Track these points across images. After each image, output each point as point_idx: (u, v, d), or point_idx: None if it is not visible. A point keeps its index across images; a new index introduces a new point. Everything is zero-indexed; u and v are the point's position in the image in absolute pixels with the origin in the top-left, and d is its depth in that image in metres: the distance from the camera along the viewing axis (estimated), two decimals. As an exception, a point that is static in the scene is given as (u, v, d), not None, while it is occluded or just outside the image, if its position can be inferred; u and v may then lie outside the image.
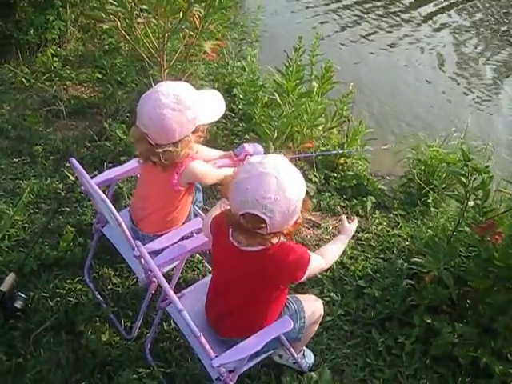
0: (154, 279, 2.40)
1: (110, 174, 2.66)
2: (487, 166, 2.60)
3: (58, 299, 2.71)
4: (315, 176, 3.70)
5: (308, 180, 3.65)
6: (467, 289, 2.69)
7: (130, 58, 4.02)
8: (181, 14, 3.14)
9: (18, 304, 2.61)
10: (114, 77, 4.09)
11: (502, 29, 6.63)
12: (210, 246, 2.20)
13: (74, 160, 2.40)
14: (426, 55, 6.01)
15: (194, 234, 2.44)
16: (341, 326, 2.75)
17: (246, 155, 2.58)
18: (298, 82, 3.52)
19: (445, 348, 2.57)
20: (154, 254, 2.31)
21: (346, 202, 3.61)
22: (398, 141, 4.19)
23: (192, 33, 3.17)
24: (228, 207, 1.93)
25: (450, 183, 3.75)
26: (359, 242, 3.28)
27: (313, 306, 2.31)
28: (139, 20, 3.27)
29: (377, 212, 3.56)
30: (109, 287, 2.80)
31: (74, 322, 2.60)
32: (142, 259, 2.28)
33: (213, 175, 2.45)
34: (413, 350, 2.62)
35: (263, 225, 1.81)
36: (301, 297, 2.32)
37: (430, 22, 6.62)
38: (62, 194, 3.25)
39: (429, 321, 2.64)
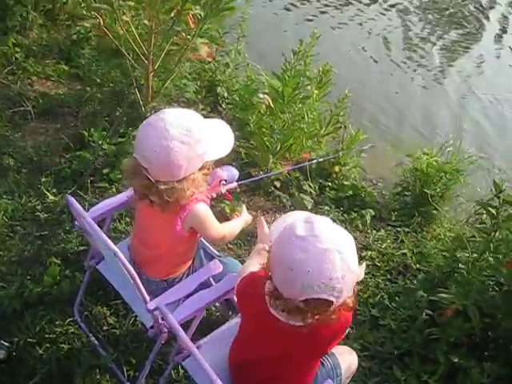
0: (166, 329, 2.15)
1: (104, 206, 2.34)
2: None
3: (48, 345, 2.40)
4: (310, 186, 3.48)
5: (303, 191, 3.44)
6: (491, 323, 2.56)
7: (103, 52, 3.61)
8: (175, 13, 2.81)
9: (0, 354, 2.30)
10: (86, 73, 3.68)
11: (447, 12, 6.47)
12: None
13: (70, 198, 2.08)
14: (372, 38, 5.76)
15: (211, 280, 2.19)
16: (359, 363, 2.57)
17: (220, 181, 2.31)
18: (295, 87, 3.25)
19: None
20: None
21: (345, 215, 3.41)
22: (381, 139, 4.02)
23: (185, 34, 2.84)
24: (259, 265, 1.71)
25: (447, 194, 3.61)
26: (363, 261, 3.10)
27: (348, 360, 2.11)
28: (125, 18, 2.91)
29: (375, 225, 3.40)
30: (104, 328, 2.51)
31: (69, 374, 2.31)
32: (156, 312, 2.03)
33: (219, 227, 2.17)
34: (437, 388, 2.48)
35: (330, 307, 1.56)
36: (335, 350, 2.09)
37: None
38: (41, 215, 2.89)
39: (455, 360, 2.49)
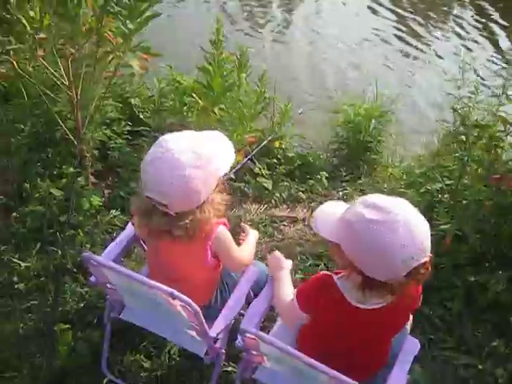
0: (224, 350, 2.12)
1: (115, 250, 2.20)
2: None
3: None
4: (260, 169, 3.48)
5: (258, 175, 3.43)
6: (486, 238, 2.74)
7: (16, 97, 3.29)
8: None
9: None
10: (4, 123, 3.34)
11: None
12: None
13: (86, 254, 1.90)
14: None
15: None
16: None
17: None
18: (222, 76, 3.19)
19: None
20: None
21: (303, 185, 3.46)
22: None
23: (110, 50, 2.66)
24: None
25: (380, 139, 3.77)
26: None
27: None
28: (40, 53, 2.66)
29: (333, 185, 3.49)
30: (143, 374, 2.37)
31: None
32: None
33: (241, 253, 2.12)
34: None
35: (428, 268, 1.59)
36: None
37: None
38: (20, 286, 2.64)
39: (471, 279, 2.66)
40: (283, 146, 3.64)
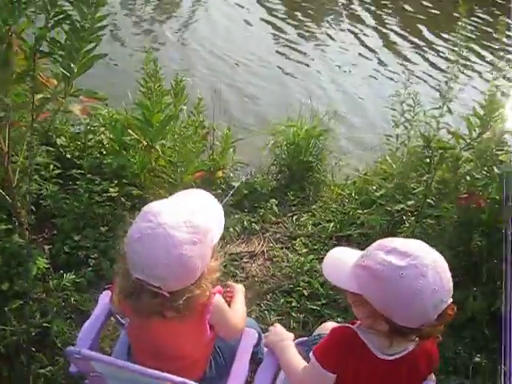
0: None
1: (89, 333, 1.94)
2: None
3: None
4: (207, 202, 3.28)
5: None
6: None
7: None
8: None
9: None
10: None
11: None
12: None
13: (69, 349, 1.66)
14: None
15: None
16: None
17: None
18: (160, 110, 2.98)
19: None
20: None
21: (254, 214, 3.31)
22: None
23: (49, 96, 2.38)
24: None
25: (322, 155, 3.70)
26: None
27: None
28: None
29: (282, 211, 3.38)
30: None
31: None
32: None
33: (236, 317, 1.93)
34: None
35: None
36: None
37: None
38: None
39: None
40: (227, 175, 3.48)
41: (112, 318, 2.10)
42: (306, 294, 2.78)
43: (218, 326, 1.85)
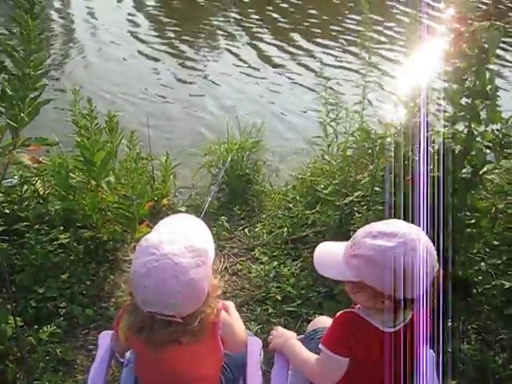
0: None
1: (99, 377, 1.92)
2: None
3: None
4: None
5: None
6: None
7: None
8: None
9: None
10: None
11: None
12: None
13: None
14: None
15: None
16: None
17: None
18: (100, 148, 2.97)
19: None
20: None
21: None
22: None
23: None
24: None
25: (258, 166, 3.82)
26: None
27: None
28: None
29: (233, 227, 3.45)
30: None
31: None
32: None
33: (240, 329, 1.97)
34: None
35: None
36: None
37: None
38: None
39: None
40: (171, 202, 3.50)
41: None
42: (279, 298, 2.86)
43: (227, 341, 1.88)
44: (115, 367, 2.38)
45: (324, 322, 2.20)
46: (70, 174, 3.04)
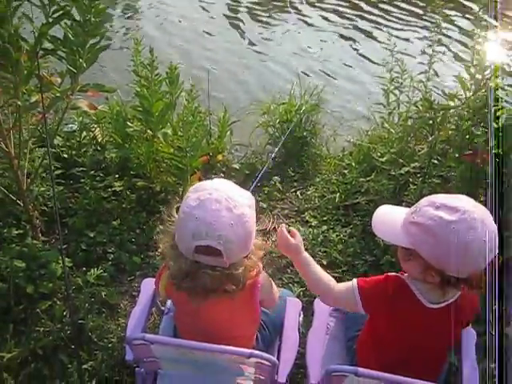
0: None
1: (138, 322, 1.96)
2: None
3: None
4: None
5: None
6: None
7: None
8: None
9: None
10: None
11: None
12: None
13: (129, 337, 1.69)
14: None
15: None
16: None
17: None
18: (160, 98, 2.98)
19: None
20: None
21: (259, 194, 3.35)
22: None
23: (58, 95, 2.35)
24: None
25: (315, 131, 3.75)
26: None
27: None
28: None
29: (286, 188, 3.42)
30: None
31: None
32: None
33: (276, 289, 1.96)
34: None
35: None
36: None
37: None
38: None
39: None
40: (226, 159, 3.50)
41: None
42: (325, 263, 2.83)
43: (265, 300, 1.89)
44: (157, 315, 2.42)
45: None
46: (128, 123, 3.06)
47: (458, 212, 1.53)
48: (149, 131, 2.93)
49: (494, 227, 1.56)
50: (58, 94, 2.29)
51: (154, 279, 1.90)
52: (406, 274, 1.73)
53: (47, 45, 2.29)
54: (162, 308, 2.19)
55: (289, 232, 1.84)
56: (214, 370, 1.81)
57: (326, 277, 1.83)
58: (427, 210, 1.58)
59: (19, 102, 2.22)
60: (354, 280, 1.76)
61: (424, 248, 1.58)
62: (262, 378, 1.81)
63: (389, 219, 1.73)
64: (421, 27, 5.89)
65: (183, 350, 1.70)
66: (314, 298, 2.61)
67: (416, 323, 1.71)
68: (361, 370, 1.58)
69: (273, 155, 3.21)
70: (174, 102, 3.10)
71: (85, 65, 2.27)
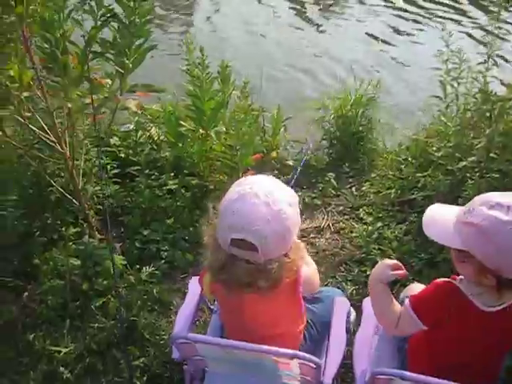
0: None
1: (184, 323, 1.98)
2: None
3: None
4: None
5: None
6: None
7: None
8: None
9: None
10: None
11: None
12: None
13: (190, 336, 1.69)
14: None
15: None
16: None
17: None
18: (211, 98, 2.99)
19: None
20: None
21: (314, 190, 3.32)
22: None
23: (107, 96, 2.40)
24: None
25: (371, 126, 3.66)
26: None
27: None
28: (27, 114, 2.39)
29: (341, 183, 3.37)
30: None
31: None
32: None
33: (316, 272, 1.92)
34: None
35: None
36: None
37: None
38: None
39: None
40: (280, 156, 3.49)
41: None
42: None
43: (310, 291, 1.90)
44: (208, 313, 2.43)
45: (417, 289, 2.09)
46: (181, 122, 3.09)
47: None
48: (201, 130, 2.94)
49: None
50: (106, 95, 2.33)
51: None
52: (458, 278, 1.67)
53: (98, 48, 2.35)
54: (212, 307, 2.20)
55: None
56: (260, 369, 1.80)
57: (393, 308, 1.76)
58: (481, 210, 1.50)
59: (69, 105, 2.27)
60: (406, 301, 1.69)
61: (478, 249, 1.50)
62: (308, 378, 1.78)
63: (441, 219, 1.65)
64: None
65: (227, 349, 1.70)
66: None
67: (472, 327, 1.64)
68: (407, 373, 1.54)
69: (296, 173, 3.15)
70: (227, 100, 3.11)
71: (131, 65, 2.29)
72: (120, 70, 2.31)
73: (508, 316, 1.62)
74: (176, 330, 1.93)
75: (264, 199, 1.55)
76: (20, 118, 2.37)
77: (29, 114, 2.38)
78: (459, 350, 1.70)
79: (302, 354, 1.60)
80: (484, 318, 1.61)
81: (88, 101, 2.34)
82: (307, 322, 2.02)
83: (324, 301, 2.08)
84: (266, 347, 1.61)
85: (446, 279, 1.68)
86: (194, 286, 2.05)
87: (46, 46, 2.15)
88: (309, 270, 1.83)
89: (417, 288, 2.17)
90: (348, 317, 2.08)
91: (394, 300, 1.78)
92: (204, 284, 1.83)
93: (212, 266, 1.69)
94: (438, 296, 1.66)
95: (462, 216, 1.55)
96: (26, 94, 2.33)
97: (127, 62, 2.25)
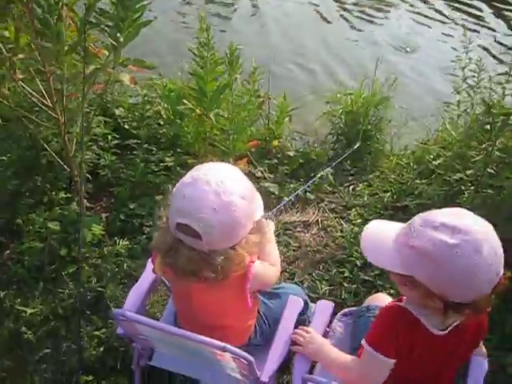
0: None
1: (136, 298, 1.98)
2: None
3: None
4: (262, 172, 3.28)
5: (261, 179, 3.23)
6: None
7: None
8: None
9: None
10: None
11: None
12: None
13: (117, 311, 1.70)
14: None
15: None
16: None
17: None
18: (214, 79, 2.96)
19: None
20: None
21: (310, 186, 3.26)
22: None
23: (99, 67, 2.40)
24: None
25: (381, 126, 3.58)
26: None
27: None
28: (18, 76, 2.41)
29: (339, 181, 3.31)
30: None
31: None
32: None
33: (275, 269, 1.89)
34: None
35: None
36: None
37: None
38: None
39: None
40: (282, 145, 3.45)
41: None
42: (359, 264, 2.72)
43: (262, 287, 1.90)
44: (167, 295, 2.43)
45: (381, 300, 2.06)
46: (184, 101, 3.08)
47: (460, 233, 1.37)
48: (197, 110, 2.92)
49: (498, 244, 1.40)
50: (98, 66, 2.33)
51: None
52: (404, 299, 1.60)
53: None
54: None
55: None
56: (203, 358, 1.81)
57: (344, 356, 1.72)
58: (424, 231, 1.41)
59: (59, 71, 2.28)
60: (363, 342, 1.59)
61: (423, 274, 1.42)
62: (245, 373, 1.78)
63: (380, 240, 1.55)
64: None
65: (164, 333, 1.70)
66: (340, 299, 2.56)
67: (423, 350, 1.58)
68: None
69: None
70: (232, 83, 3.07)
71: (122, 40, 2.29)
72: (113, 42, 2.30)
73: (454, 339, 1.57)
74: (124, 306, 1.94)
75: (215, 187, 1.54)
76: (13, 81, 2.38)
77: (21, 77, 2.39)
78: (410, 367, 1.64)
79: (231, 347, 1.59)
80: (432, 340, 1.55)
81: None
82: (261, 316, 2.02)
83: (282, 297, 2.07)
84: (198, 336, 1.61)
85: (394, 303, 1.63)
86: (151, 264, 2.04)
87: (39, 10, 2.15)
88: (262, 265, 1.80)
89: (379, 297, 2.13)
90: (303, 314, 2.05)
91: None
92: (156, 264, 1.83)
93: (159, 248, 1.70)
94: (389, 324, 1.58)
95: (403, 237, 1.47)
96: (20, 56, 2.35)
97: (119, 35, 2.24)
